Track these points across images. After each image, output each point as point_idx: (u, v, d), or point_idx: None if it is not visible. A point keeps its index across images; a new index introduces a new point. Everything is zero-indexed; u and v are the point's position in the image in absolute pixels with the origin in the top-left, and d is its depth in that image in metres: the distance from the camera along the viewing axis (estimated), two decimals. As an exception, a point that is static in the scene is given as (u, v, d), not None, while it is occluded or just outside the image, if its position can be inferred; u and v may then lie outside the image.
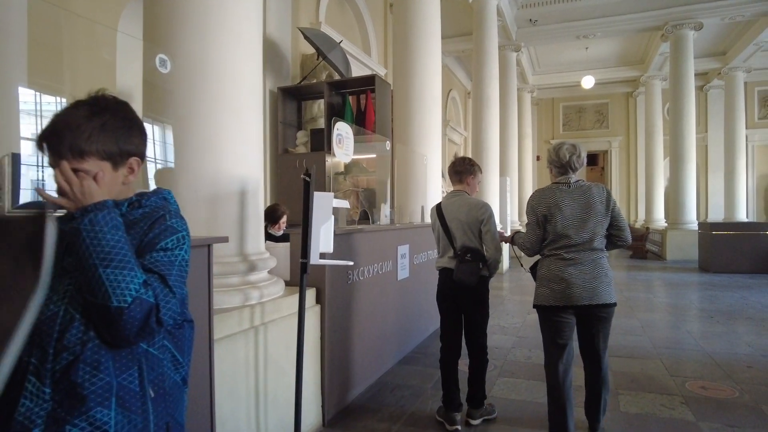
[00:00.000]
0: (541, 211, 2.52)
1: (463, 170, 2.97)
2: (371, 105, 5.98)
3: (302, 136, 6.52)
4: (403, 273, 4.08)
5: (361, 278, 3.29)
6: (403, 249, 4.09)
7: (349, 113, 6.11)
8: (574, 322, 2.57)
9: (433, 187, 5.66)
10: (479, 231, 2.85)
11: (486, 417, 2.95)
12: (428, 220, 5.54)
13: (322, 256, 2.27)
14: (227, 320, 2.16)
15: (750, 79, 16.24)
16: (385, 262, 3.74)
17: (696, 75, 12.74)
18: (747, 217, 16.09)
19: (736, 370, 3.84)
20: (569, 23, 12.74)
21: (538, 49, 15.27)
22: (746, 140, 16.26)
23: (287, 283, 2.87)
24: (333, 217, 2.23)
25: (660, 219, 16.16)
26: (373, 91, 5.99)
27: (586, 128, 19.34)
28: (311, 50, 6.79)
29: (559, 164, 2.57)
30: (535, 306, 2.61)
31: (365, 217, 4.63)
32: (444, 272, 2.95)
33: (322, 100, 6.31)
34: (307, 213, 2.16)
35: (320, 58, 6.62)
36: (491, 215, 2.86)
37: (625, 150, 18.86)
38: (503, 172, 11.90)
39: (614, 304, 2.54)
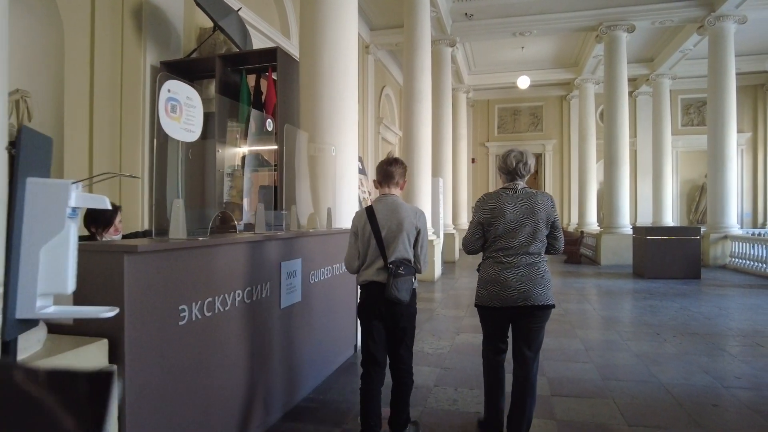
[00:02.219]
0: (485, 214, 2.59)
1: (396, 172, 2.67)
2: (272, 84, 4.92)
3: (191, 122, 5.33)
4: (290, 297, 3.06)
5: (206, 314, 2.23)
6: (292, 265, 3.07)
7: (246, 94, 5.03)
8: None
9: (346, 186, 4.67)
10: (415, 240, 2.62)
11: None
12: (339, 225, 4.58)
13: (60, 300, 1.21)
14: None
15: (674, 87, 16.59)
16: (260, 286, 2.71)
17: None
18: (672, 220, 16.40)
19: (700, 412, 3.13)
20: (506, 19, 12.25)
21: (474, 46, 14.76)
22: (671, 146, 16.57)
23: (72, 329, 1.78)
24: (73, 226, 1.18)
25: (593, 222, 16.12)
26: (275, 68, 4.95)
27: (520, 131, 19.16)
28: (210, 23, 5.64)
29: (507, 171, 2.65)
30: (475, 305, 2.68)
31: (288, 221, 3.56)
32: (371, 287, 2.57)
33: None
34: (9, 221, 1.10)
35: (216, 30, 5.50)
36: (426, 223, 2.70)
37: (559, 153, 18.84)
38: (436, 172, 11.16)
39: (550, 306, 2.56)
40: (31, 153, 1.14)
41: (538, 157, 19.54)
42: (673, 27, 12.92)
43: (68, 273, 1.18)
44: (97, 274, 1.77)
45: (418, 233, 2.61)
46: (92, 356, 1.69)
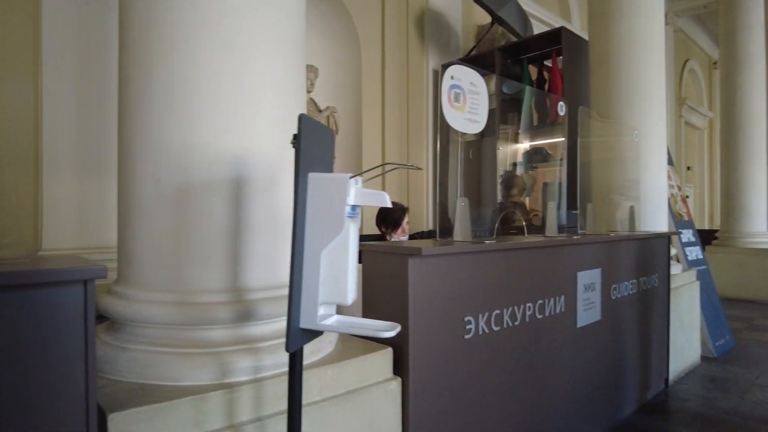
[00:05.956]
0: None
1: None
2: (557, 68, 4.41)
3: (470, 121, 5.27)
4: (588, 315, 2.52)
5: (494, 329, 1.93)
6: (590, 276, 2.54)
7: (528, 84, 4.64)
8: None
9: (652, 179, 3.79)
10: None
11: None
12: (643, 227, 3.74)
13: (341, 310, 1.07)
14: (168, 415, 1.13)
15: None
16: (554, 299, 2.28)
17: None
18: None
19: None
20: None
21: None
22: None
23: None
24: (353, 227, 1.01)
25: None
26: (559, 52, 4.42)
27: None
28: (488, 19, 5.50)
29: None
30: None
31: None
32: None
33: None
34: (297, 220, 1.00)
35: (494, 24, 5.30)
36: None
37: None
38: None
39: None
40: (313, 145, 1.02)
41: None
42: None
43: (348, 281, 1.01)
44: (380, 276, 1.67)
45: None
46: (377, 366, 1.58)
